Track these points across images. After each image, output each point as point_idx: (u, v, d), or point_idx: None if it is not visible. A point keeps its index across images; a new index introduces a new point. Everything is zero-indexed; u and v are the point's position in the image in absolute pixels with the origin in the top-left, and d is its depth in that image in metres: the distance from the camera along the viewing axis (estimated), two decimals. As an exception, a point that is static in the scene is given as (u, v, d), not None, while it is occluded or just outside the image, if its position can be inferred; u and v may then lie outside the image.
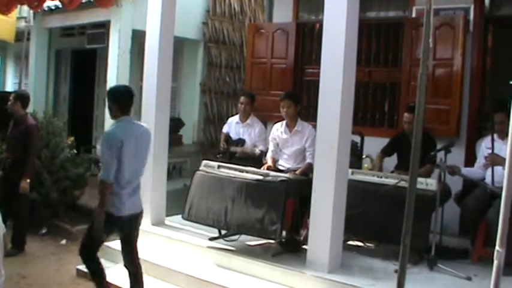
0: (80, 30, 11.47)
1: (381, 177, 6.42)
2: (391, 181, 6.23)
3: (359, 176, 6.49)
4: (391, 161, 7.32)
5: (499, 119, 6.13)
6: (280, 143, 7.10)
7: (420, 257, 5.96)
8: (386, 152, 7.30)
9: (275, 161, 7.11)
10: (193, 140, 11.62)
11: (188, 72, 11.75)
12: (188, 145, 11.41)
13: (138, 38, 9.37)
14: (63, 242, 8.09)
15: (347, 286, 5.34)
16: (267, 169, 6.73)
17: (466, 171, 6.51)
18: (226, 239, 6.46)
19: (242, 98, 8.15)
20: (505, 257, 5.56)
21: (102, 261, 5.55)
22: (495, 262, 2.90)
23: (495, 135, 6.23)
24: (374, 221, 6.12)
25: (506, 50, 7.99)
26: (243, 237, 6.39)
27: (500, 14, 7.52)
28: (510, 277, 5.56)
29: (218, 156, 8.06)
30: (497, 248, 2.92)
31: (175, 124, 10.54)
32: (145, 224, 7.03)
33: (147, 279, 6.15)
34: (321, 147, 5.71)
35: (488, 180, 6.21)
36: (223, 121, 9.16)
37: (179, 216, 6.77)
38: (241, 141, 7.95)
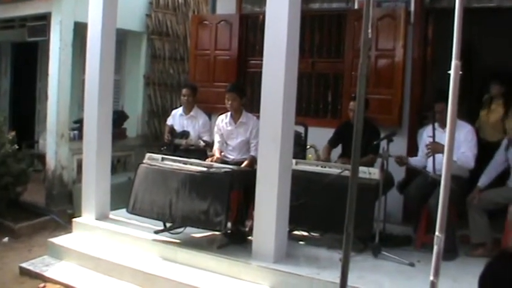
0: (21, 23, 11.16)
1: (325, 167, 6.47)
2: (335, 171, 6.27)
3: (303, 166, 6.51)
4: (336, 151, 7.38)
5: (439, 108, 6.25)
6: (225, 135, 7.11)
7: (365, 245, 6.04)
8: (333, 142, 7.31)
9: (221, 153, 7.10)
10: (138, 133, 11.48)
11: (131, 65, 11.59)
12: (132, 138, 11.28)
13: (80, 31, 9.17)
14: (5, 239, 7.93)
15: (292, 275, 5.38)
16: (215, 161, 6.73)
17: (413, 161, 6.63)
18: (171, 231, 6.42)
19: (184, 90, 8.12)
20: (446, 242, 5.72)
21: (46, 257, 5.46)
22: (435, 247, 2.95)
23: (436, 125, 6.35)
24: (319, 211, 6.15)
25: (446, 41, 8.12)
26: (188, 229, 6.35)
27: (440, 6, 7.66)
28: (451, 262, 5.76)
29: (162, 148, 8.02)
30: (436, 233, 2.97)
31: (119, 117, 10.40)
32: (89, 218, 6.97)
33: (92, 274, 6.10)
34: (264, 138, 5.74)
35: (429, 168, 6.33)
36: (167, 113, 9.08)
37: (124, 210, 6.68)
38: (185, 134, 7.92)
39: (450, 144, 3.09)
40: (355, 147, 3.20)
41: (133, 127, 11.37)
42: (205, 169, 6.19)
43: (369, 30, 3.08)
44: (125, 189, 6.92)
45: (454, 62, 3.02)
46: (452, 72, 3.02)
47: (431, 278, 3.04)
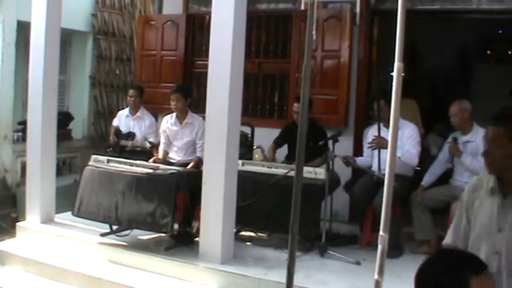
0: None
1: (271, 168, 6.49)
2: (281, 171, 6.30)
3: (249, 167, 6.52)
4: (283, 151, 7.41)
5: (382, 108, 6.37)
6: (170, 136, 7.08)
7: (311, 244, 6.08)
8: (278, 142, 7.35)
9: (166, 154, 7.08)
10: (83, 134, 11.33)
11: (77, 65, 11.42)
12: (78, 139, 11.12)
13: (23, 30, 9.00)
14: None
15: (240, 276, 5.39)
16: (155, 161, 6.69)
17: (359, 161, 6.71)
18: (117, 234, 6.34)
19: (131, 91, 8.09)
20: (391, 240, 5.81)
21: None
22: (379, 246, 2.99)
23: (381, 124, 6.44)
24: (265, 211, 6.17)
25: (390, 42, 8.25)
26: (135, 231, 6.29)
27: (384, 7, 7.77)
28: (396, 259, 5.86)
29: (108, 150, 7.96)
30: (381, 232, 3.01)
31: (64, 118, 10.23)
32: (34, 222, 6.84)
33: (37, 279, 5.98)
34: (210, 139, 5.73)
35: (375, 167, 6.42)
36: (113, 114, 8.99)
37: (69, 213, 6.58)
38: (131, 135, 7.87)
39: (393, 143, 3.14)
40: (299, 149, 3.22)
41: (79, 128, 11.22)
42: (151, 171, 6.14)
43: (313, 32, 3.10)
44: (71, 192, 6.82)
45: (397, 64, 3.06)
46: (395, 74, 3.06)
47: (376, 276, 3.08)
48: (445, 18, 8.84)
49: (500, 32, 11.24)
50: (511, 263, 2.68)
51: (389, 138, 3.21)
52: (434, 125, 9.06)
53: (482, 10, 7.49)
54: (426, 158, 7.11)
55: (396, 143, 3.23)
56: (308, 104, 7.12)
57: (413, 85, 9.25)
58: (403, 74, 3.10)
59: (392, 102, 3.16)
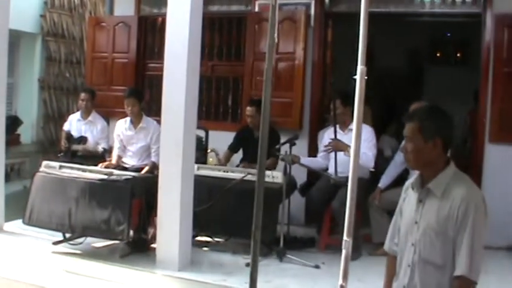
0: None
1: (227, 172, 6.44)
2: (237, 175, 6.26)
3: (205, 171, 6.45)
4: (237, 155, 7.35)
5: (338, 108, 6.39)
6: (124, 140, 6.94)
7: (269, 249, 6.04)
8: (233, 149, 7.29)
9: (120, 159, 6.94)
10: (32, 139, 11.08)
11: (25, 68, 11.16)
12: (27, 144, 10.87)
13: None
14: None
15: (199, 283, 5.31)
16: (108, 167, 6.55)
17: (305, 160, 6.69)
18: (71, 242, 6.18)
19: (82, 95, 7.93)
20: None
21: None
22: (343, 251, 2.96)
23: (337, 126, 6.46)
24: (222, 216, 6.12)
25: (343, 44, 8.30)
26: (89, 239, 6.15)
27: (338, 10, 7.82)
28: (355, 261, 5.86)
29: (59, 155, 7.79)
30: (345, 237, 2.98)
31: (12, 122, 10.00)
32: (-19, 231, 6.61)
33: (-14, 292, 5.77)
34: (166, 143, 5.65)
35: (331, 170, 6.42)
36: (64, 118, 8.81)
37: (19, 221, 6.37)
38: (83, 139, 7.72)
39: (357, 146, 3.09)
40: (261, 152, 3.15)
41: (27, 133, 10.96)
42: (105, 177, 5.99)
43: (275, 35, 3.05)
44: (20, 199, 6.63)
45: (360, 67, 3.03)
46: (358, 77, 3.03)
47: (340, 281, 3.04)
48: (397, 20, 8.95)
49: (447, 35, 11.50)
50: (424, 254, 2.83)
51: (352, 142, 3.16)
52: (387, 126, 9.15)
53: (433, 13, 7.62)
54: (380, 159, 7.14)
55: (359, 147, 3.19)
56: (261, 107, 7.11)
57: (367, 87, 9.34)
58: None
59: (356, 105, 3.12)
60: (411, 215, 2.94)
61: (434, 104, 3.55)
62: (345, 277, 3.05)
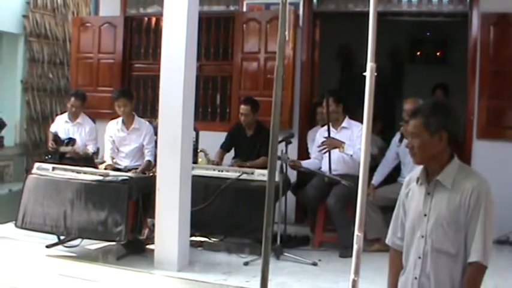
0: None
1: (222, 171, 6.44)
2: (232, 174, 6.28)
3: (200, 171, 6.43)
4: (229, 154, 7.37)
5: (332, 108, 6.44)
6: (117, 141, 6.91)
7: (266, 247, 6.05)
8: (226, 148, 7.29)
9: (113, 160, 6.88)
10: (16, 141, 10.90)
11: (7, 69, 10.96)
12: (10, 147, 10.67)
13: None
14: None
15: (200, 283, 5.31)
16: (106, 168, 6.51)
17: (306, 164, 6.72)
18: (65, 245, 6.15)
19: (73, 100, 7.56)
20: (345, 240, 5.88)
21: None
22: (355, 246, 3.02)
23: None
24: (218, 215, 6.14)
25: (330, 43, 8.36)
26: (83, 241, 6.12)
27: (326, 10, 7.86)
28: (348, 258, 5.90)
29: (46, 157, 7.64)
30: (356, 232, 3.04)
31: (-5, 125, 9.86)
32: (-32, 236, 6.50)
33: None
34: (164, 144, 5.64)
35: (325, 168, 6.46)
36: (47, 120, 8.70)
37: (7, 225, 6.30)
38: (71, 141, 7.60)
39: (367, 142, 3.13)
40: (271, 151, 3.19)
41: (11, 135, 10.76)
42: (101, 178, 5.96)
43: (286, 33, 3.08)
44: (5, 202, 6.55)
45: (369, 64, 3.09)
46: (367, 73, 3.09)
47: (352, 276, 3.10)
48: (378, 20, 9.01)
49: (427, 34, 11.63)
50: (435, 244, 2.89)
51: (362, 141, 3.20)
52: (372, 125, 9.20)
53: (420, 12, 7.72)
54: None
55: (369, 144, 3.23)
56: (255, 106, 7.15)
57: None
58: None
59: (366, 101, 3.17)
60: (419, 208, 2.98)
61: (437, 99, 3.62)
62: (357, 272, 3.10)
